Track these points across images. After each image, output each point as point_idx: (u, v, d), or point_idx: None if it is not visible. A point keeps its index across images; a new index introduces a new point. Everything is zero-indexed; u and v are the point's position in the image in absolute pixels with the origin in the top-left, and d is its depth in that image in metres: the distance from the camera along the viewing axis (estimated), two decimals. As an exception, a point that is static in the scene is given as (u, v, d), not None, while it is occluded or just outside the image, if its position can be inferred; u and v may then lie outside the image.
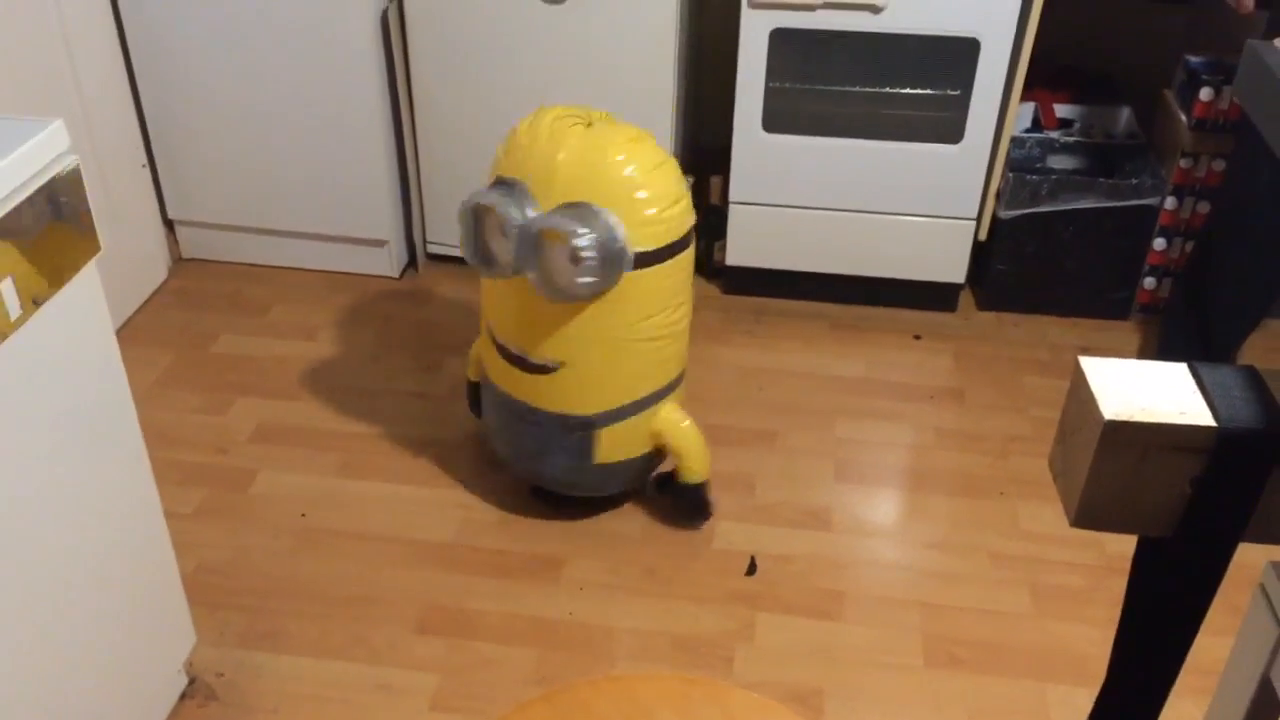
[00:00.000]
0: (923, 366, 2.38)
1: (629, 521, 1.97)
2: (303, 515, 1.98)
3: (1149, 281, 2.49)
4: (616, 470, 1.88)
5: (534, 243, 1.65)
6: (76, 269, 1.22)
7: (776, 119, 2.32)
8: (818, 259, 2.48)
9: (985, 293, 2.54)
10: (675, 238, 1.71)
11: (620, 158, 1.66)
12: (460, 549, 1.92)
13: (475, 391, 2.02)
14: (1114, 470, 0.65)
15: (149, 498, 1.46)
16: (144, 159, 2.50)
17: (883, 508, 2.02)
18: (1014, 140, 2.42)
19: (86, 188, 1.21)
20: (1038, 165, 2.40)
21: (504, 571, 1.87)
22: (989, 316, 2.53)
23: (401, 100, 2.44)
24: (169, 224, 2.63)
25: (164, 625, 1.54)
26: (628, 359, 1.77)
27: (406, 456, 2.11)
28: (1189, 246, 2.44)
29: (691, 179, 2.52)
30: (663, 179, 1.69)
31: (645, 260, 1.69)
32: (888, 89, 2.29)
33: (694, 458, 1.88)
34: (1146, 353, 2.45)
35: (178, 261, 2.66)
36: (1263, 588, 0.79)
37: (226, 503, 2.00)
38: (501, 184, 1.72)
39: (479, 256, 1.74)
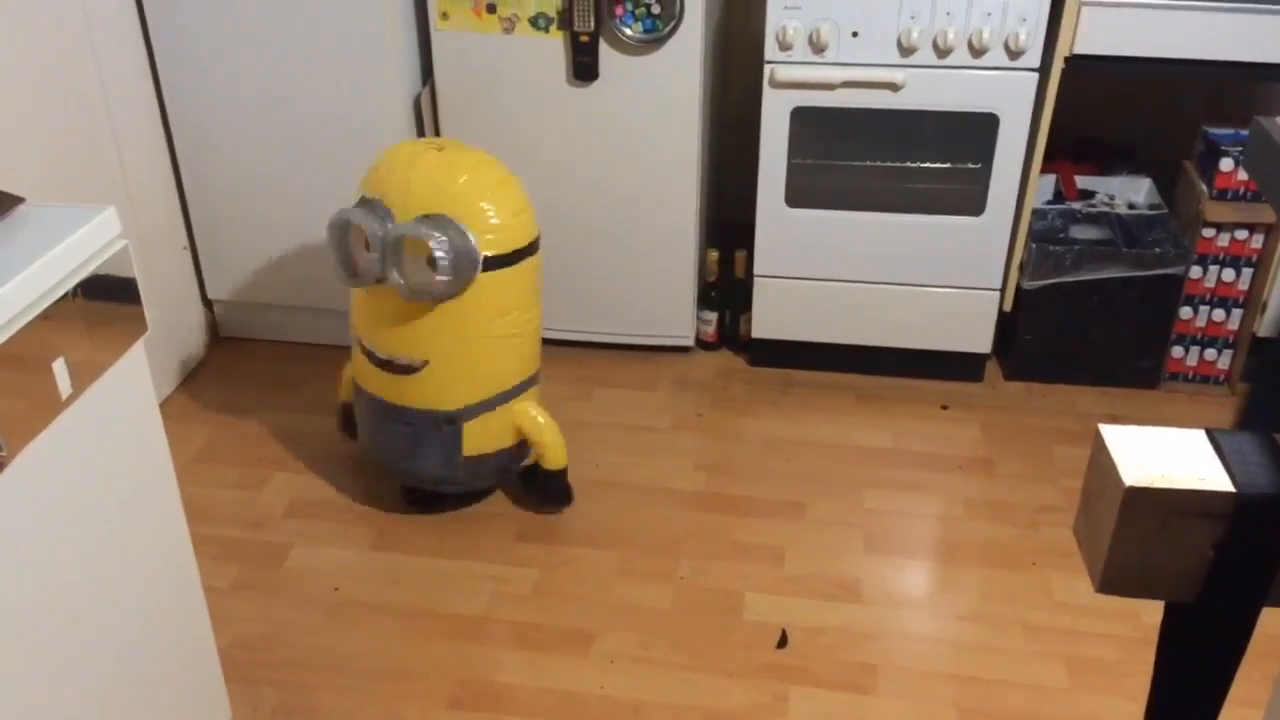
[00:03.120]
0: (950, 437, 2.38)
1: (659, 594, 1.98)
2: (336, 589, 2.00)
3: (1176, 350, 2.49)
4: (485, 462, 2.06)
5: (394, 250, 1.87)
6: (124, 349, 1.26)
7: (799, 194, 2.37)
8: (843, 330, 2.50)
9: (1012, 363, 2.55)
10: (520, 245, 1.93)
11: (465, 177, 1.89)
12: (491, 622, 1.92)
13: (347, 412, 2.22)
14: (1136, 536, 0.67)
15: (189, 573, 1.48)
16: (185, 241, 2.58)
17: (913, 579, 2.01)
18: (1036, 212, 2.45)
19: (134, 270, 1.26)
20: (1060, 236, 2.43)
21: (535, 645, 1.88)
22: (1016, 386, 2.54)
23: (434, 181, 2.51)
24: (208, 304, 2.70)
25: (200, 700, 1.55)
26: (486, 355, 1.98)
27: (437, 530, 2.13)
28: (1215, 314, 2.44)
29: (716, 253, 2.57)
30: (505, 194, 1.92)
31: (494, 263, 1.90)
32: (909, 163, 2.33)
33: (551, 446, 2.09)
34: (1176, 421, 2.44)
35: (216, 340, 2.73)
36: (1292, 654, 0.79)
37: (261, 577, 2.02)
38: (364, 202, 1.95)
39: (344, 268, 1.95)
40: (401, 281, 1.88)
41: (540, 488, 2.14)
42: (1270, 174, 0.79)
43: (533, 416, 2.07)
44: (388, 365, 1.99)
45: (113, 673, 1.32)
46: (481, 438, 2.03)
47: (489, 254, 1.89)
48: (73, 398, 1.17)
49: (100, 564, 1.27)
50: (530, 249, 1.96)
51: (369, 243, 1.89)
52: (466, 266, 1.87)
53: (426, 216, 1.87)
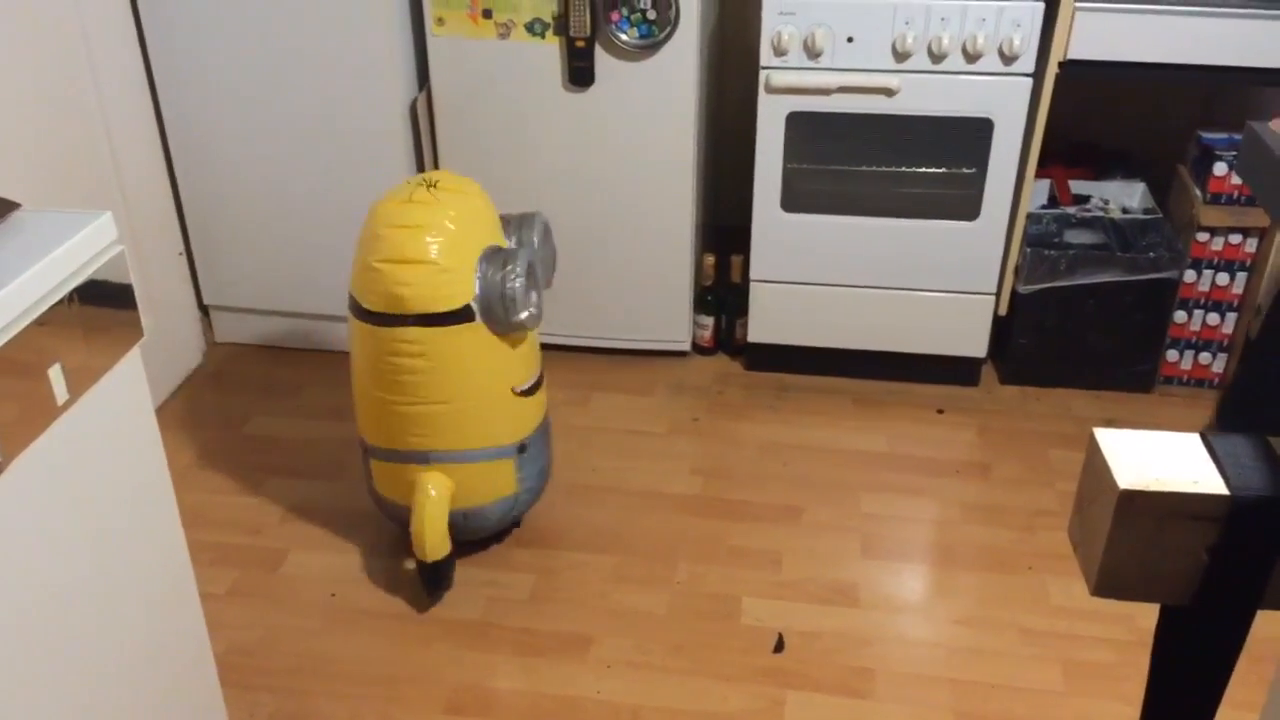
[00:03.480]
0: (946, 441, 2.38)
1: (656, 599, 1.98)
2: (332, 595, 1.99)
3: (1171, 354, 2.50)
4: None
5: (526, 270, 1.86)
6: (120, 354, 1.26)
7: (795, 199, 2.37)
8: (839, 335, 2.50)
9: (1007, 367, 2.55)
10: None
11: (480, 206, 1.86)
12: (488, 627, 1.92)
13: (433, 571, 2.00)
14: (1131, 539, 0.67)
15: (185, 580, 1.48)
16: (181, 247, 2.58)
17: (910, 583, 2.02)
18: (1031, 216, 2.46)
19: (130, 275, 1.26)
20: (1055, 240, 2.43)
21: (532, 650, 1.88)
22: (1012, 390, 2.54)
23: (430, 187, 2.51)
24: (204, 309, 2.70)
25: (196, 707, 1.55)
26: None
27: (434, 535, 2.13)
28: (1210, 318, 2.45)
29: (713, 258, 2.57)
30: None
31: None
32: (904, 168, 2.34)
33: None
34: (1172, 425, 2.45)
35: (212, 345, 2.73)
36: (1287, 657, 0.80)
37: (258, 583, 2.02)
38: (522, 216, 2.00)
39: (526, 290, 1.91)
40: (500, 311, 1.86)
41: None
42: (1263, 178, 0.79)
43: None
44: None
45: (109, 679, 1.32)
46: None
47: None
48: (69, 403, 1.17)
49: (96, 570, 1.27)
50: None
51: None
52: (537, 293, 1.89)
53: (502, 248, 1.89)
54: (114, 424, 1.27)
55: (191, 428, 2.44)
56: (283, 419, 2.47)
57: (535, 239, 1.94)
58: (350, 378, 1.95)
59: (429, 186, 1.82)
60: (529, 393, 1.93)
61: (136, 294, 1.28)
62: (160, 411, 2.50)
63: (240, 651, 1.88)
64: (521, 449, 1.95)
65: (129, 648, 1.35)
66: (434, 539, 1.89)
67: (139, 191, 2.40)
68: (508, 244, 1.91)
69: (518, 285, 1.78)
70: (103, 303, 1.22)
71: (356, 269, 1.83)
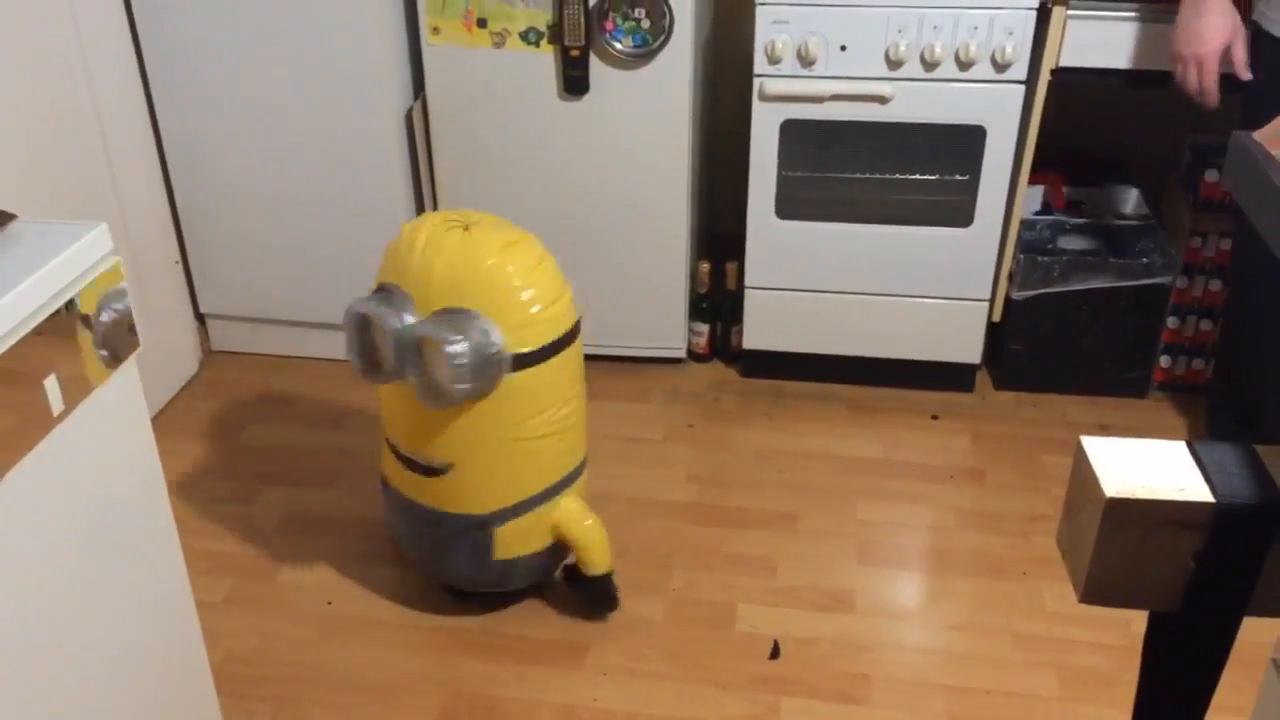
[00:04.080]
0: (941, 447, 2.39)
1: (652, 606, 1.98)
2: (329, 603, 2.00)
3: (1165, 359, 2.51)
4: (518, 565, 1.87)
5: (413, 348, 1.66)
6: (116, 364, 1.26)
7: (789, 206, 2.38)
8: (834, 341, 2.51)
9: (1001, 373, 2.56)
10: (557, 336, 1.72)
11: (493, 261, 1.66)
12: (485, 635, 1.92)
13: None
14: (1118, 546, 0.68)
15: (181, 589, 1.48)
16: (177, 256, 2.58)
17: (906, 590, 2.02)
18: (1024, 223, 2.47)
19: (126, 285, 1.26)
20: (1049, 246, 2.44)
21: (528, 658, 1.88)
22: (1006, 396, 2.55)
23: (425, 194, 2.52)
24: (200, 318, 2.70)
25: (193, 716, 1.55)
26: (517, 458, 1.76)
27: (431, 543, 2.13)
28: (1203, 324, 2.46)
29: (708, 265, 2.58)
30: (542, 278, 1.69)
31: (525, 361, 1.69)
32: (897, 175, 2.35)
33: (592, 550, 1.87)
34: (1165, 431, 2.46)
35: (208, 354, 2.73)
36: (1275, 663, 0.80)
37: (254, 592, 2.02)
38: (382, 290, 1.73)
39: (363, 362, 1.74)
40: (421, 385, 1.68)
41: (583, 589, 1.94)
42: (1248, 189, 0.80)
43: (573, 519, 1.85)
44: (412, 464, 1.80)
45: (104, 689, 1.32)
46: (514, 542, 1.83)
47: (520, 350, 1.68)
48: (65, 414, 1.18)
49: (92, 580, 1.28)
50: (568, 339, 1.73)
51: (384, 336, 1.70)
52: (490, 370, 1.66)
53: (447, 311, 1.66)
54: (110, 434, 1.28)
55: (188, 436, 2.44)
56: (279, 428, 2.47)
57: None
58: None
59: (465, 228, 1.72)
60: None
61: (133, 303, 1.29)
62: (157, 420, 2.50)
63: (237, 660, 1.88)
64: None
65: (125, 657, 1.36)
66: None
67: (135, 201, 2.41)
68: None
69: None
70: (99, 314, 1.22)
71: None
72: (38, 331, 1.12)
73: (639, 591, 2.01)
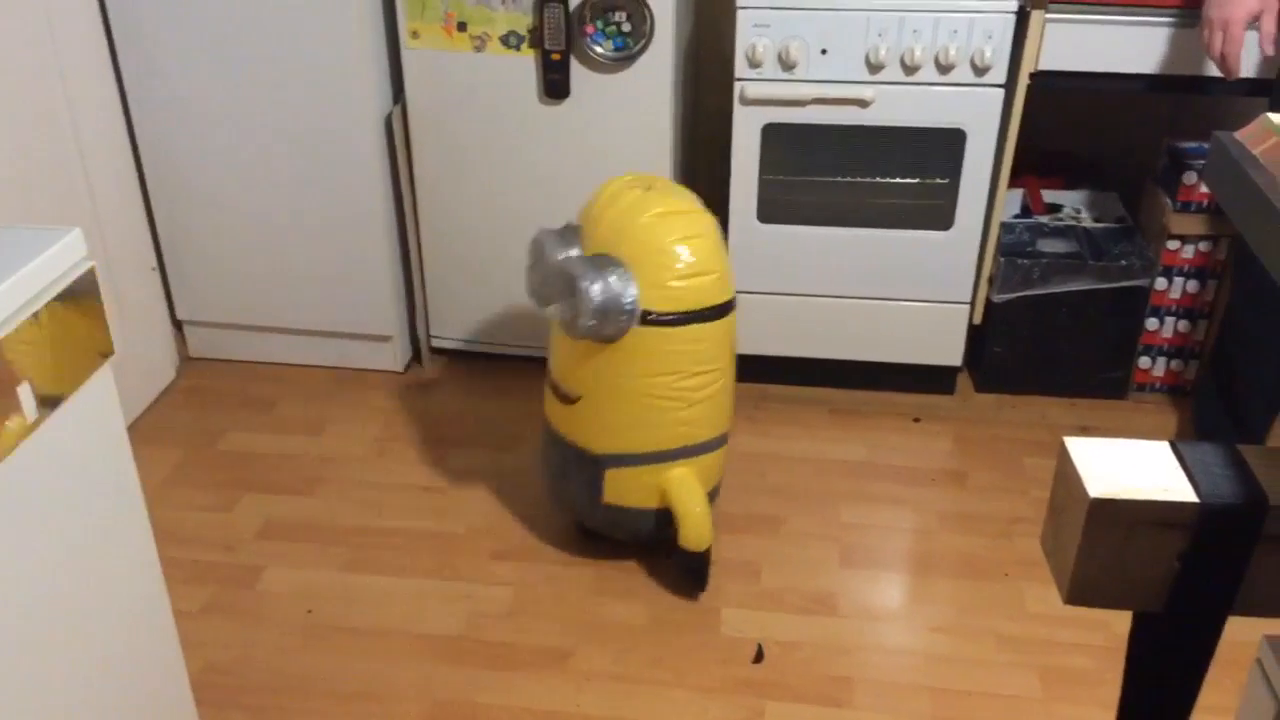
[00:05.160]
0: (923, 450, 2.40)
1: (635, 610, 1.97)
2: (309, 611, 1.98)
3: (1144, 361, 2.52)
4: (625, 515, 1.96)
5: (563, 279, 1.81)
6: (91, 371, 1.25)
7: (771, 209, 2.38)
8: (816, 345, 2.51)
9: (982, 375, 2.57)
10: (693, 307, 1.82)
11: (648, 221, 1.80)
12: (467, 642, 1.91)
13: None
14: (1102, 547, 0.67)
15: (159, 599, 1.47)
16: (154, 262, 2.56)
17: (889, 592, 2.02)
18: (1004, 225, 2.47)
19: (100, 291, 1.25)
20: (1028, 249, 2.45)
21: (511, 664, 1.87)
22: (987, 398, 2.56)
23: (405, 198, 2.50)
24: (177, 324, 2.68)
25: (170, 725, 1.53)
26: (634, 410, 1.87)
27: (412, 550, 2.12)
28: (1181, 325, 2.48)
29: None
30: (694, 250, 1.80)
31: (655, 320, 1.81)
32: (878, 179, 2.35)
33: (690, 525, 1.91)
34: (1145, 431, 2.47)
35: (185, 361, 2.71)
36: (1259, 663, 0.80)
37: (233, 600, 2.01)
38: (567, 227, 1.93)
39: (533, 288, 1.91)
40: (558, 314, 1.83)
41: (677, 561, 1.99)
42: (1229, 188, 0.80)
43: (680, 489, 1.91)
44: (555, 389, 1.96)
45: (80, 700, 1.30)
46: (622, 490, 1.93)
47: (651, 309, 1.79)
48: (38, 422, 1.16)
49: (67, 590, 1.26)
50: (705, 315, 1.82)
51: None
52: (618, 318, 1.79)
53: (601, 255, 1.82)
54: (85, 442, 1.26)
55: (165, 444, 2.42)
56: (257, 434, 2.45)
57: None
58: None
59: (646, 189, 1.86)
60: None
61: (108, 310, 1.27)
62: (133, 428, 2.47)
63: (216, 670, 1.86)
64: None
65: (101, 668, 1.34)
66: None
67: (111, 206, 2.38)
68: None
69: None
70: (73, 320, 1.21)
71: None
72: (9, 339, 1.11)
73: (622, 596, 2.00)
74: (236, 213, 2.50)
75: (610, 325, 1.79)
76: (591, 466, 1.93)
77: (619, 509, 1.96)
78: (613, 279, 1.78)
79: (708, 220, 1.86)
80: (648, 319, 1.80)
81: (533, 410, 2.51)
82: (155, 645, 1.47)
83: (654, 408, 1.87)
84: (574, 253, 1.86)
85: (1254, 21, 1.94)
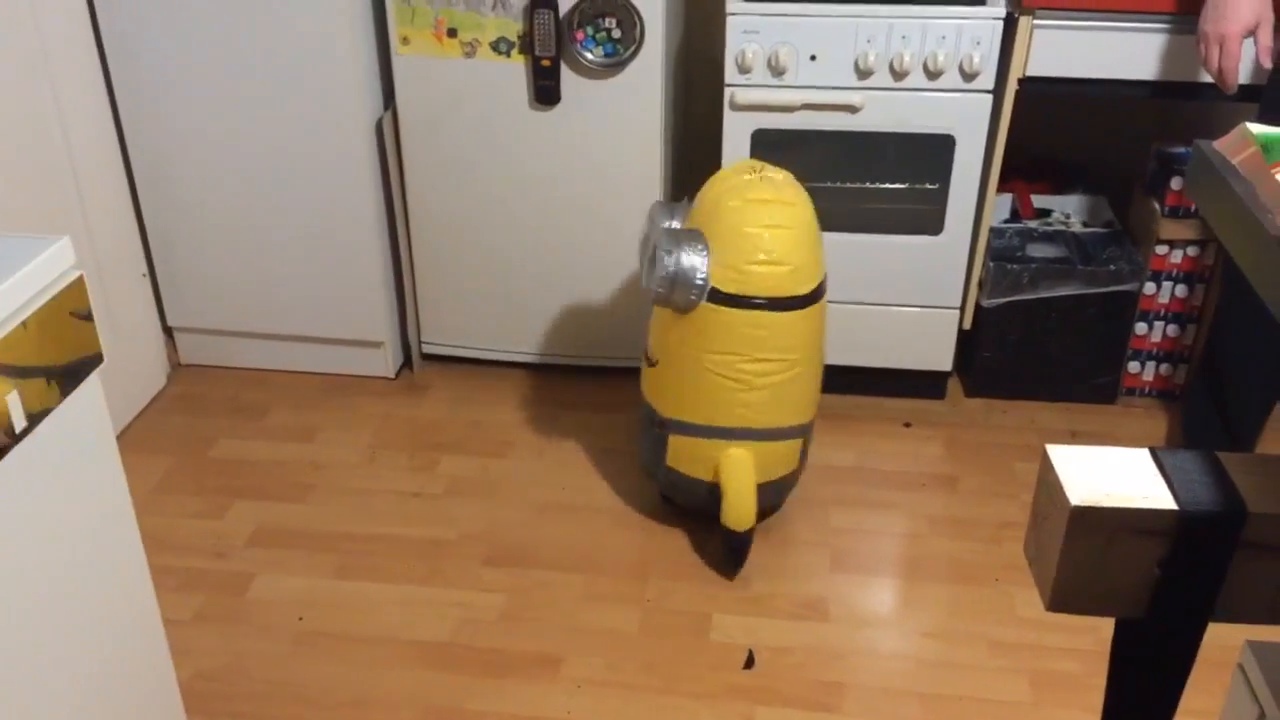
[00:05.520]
0: (914, 454, 2.40)
1: (626, 617, 1.97)
2: (300, 618, 1.98)
3: (1133, 365, 2.53)
4: (683, 482, 2.07)
5: (651, 247, 1.94)
6: (79, 380, 1.25)
7: (761, 216, 2.38)
8: (807, 350, 2.51)
9: (972, 380, 2.58)
10: (764, 294, 1.88)
11: (736, 204, 1.88)
12: (458, 648, 1.91)
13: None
14: (1083, 554, 0.68)
15: (148, 607, 1.46)
16: (144, 268, 2.56)
17: (879, 597, 2.03)
18: (993, 230, 2.48)
19: (90, 299, 1.25)
20: (1018, 254, 2.46)
21: (502, 671, 1.87)
22: (977, 403, 2.57)
23: (396, 205, 2.51)
24: (168, 331, 2.68)
25: (160, 734, 1.53)
26: (695, 382, 1.96)
27: (403, 556, 2.12)
28: (1170, 330, 2.49)
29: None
30: (776, 238, 1.87)
31: (723, 299, 1.89)
32: (868, 184, 2.36)
33: (732, 504, 1.97)
34: (1134, 436, 2.48)
35: (176, 368, 2.70)
36: (1241, 667, 0.81)
37: (224, 607, 2.00)
38: (685, 200, 2.05)
39: (640, 253, 2.05)
40: (643, 274, 1.97)
41: (724, 539, 2.04)
42: (1209, 197, 0.81)
43: (730, 467, 1.98)
44: (645, 350, 2.08)
45: (71, 709, 1.30)
46: (682, 457, 2.04)
47: (722, 288, 1.88)
48: (27, 431, 1.16)
49: (57, 599, 1.26)
50: (776, 304, 1.88)
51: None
52: (687, 291, 1.88)
53: (691, 230, 1.92)
54: (74, 450, 1.26)
55: (156, 451, 2.42)
56: (249, 441, 2.45)
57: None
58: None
59: (753, 173, 1.94)
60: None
61: (97, 317, 1.27)
62: (124, 435, 2.47)
63: (206, 678, 1.86)
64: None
65: (91, 677, 1.34)
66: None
67: (101, 212, 2.38)
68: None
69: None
70: (61, 329, 1.21)
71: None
72: (-2, 347, 1.11)
73: (613, 602, 2.00)
74: (227, 219, 2.50)
75: (680, 295, 1.88)
76: (658, 428, 2.05)
77: (678, 474, 2.06)
78: (688, 252, 1.87)
79: (798, 214, 1.90)
80: (716, 296, 1.88)
81: (524, 416, 2.51)
82: (145, 653, 1.47)
83: (714, 384, 1.94)
84: (674, 224, 1.97)
85: (1250, 34, 1.95)
